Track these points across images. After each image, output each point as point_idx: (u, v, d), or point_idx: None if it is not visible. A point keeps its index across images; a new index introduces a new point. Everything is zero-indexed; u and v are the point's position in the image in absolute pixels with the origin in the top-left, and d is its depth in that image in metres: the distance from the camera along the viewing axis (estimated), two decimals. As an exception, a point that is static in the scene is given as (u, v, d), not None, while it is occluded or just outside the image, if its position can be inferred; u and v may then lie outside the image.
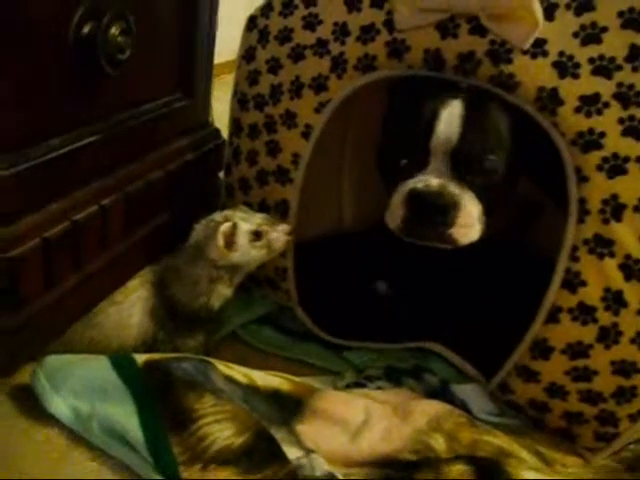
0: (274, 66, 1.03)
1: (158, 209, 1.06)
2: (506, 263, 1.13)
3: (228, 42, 1.36)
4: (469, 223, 0.91)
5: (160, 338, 1.04)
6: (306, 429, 0.90)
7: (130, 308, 1.01)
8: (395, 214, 0.95)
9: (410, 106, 0.95)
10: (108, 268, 0.95)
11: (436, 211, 0.90)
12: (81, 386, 0.89)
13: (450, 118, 0.89)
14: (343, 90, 0.98)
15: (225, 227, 0.98)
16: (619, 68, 0.80)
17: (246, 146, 1.09)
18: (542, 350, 0.91)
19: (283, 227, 1.02)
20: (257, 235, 1.00)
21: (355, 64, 0.95)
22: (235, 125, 1.12)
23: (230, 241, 0.98)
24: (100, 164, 0.92)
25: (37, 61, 0.76)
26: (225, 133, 1.19)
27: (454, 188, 0.90)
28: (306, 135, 1.02)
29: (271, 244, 1.01)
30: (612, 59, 0.80)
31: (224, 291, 1.04)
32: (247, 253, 1.00)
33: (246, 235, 1.00)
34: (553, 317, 0.89)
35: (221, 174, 1.19)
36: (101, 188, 0.91)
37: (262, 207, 1.09)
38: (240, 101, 1.09)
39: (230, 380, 0.93)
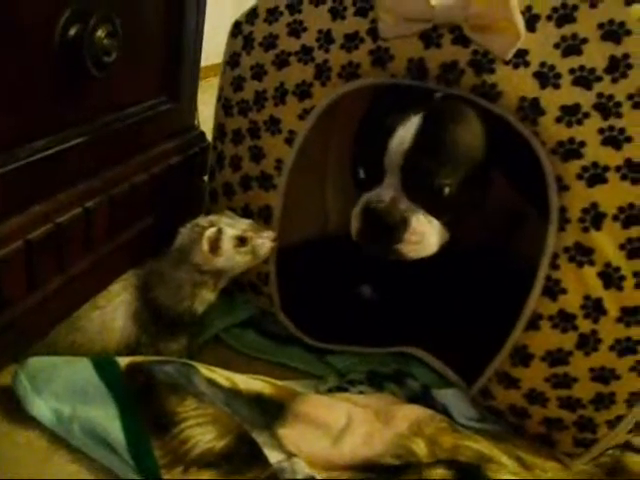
0: (258, 72, 1.03)
1: (142, 212, 1.06)
2: (488, 270, 1.14)
3: (215, 45, 1.36)
4: (417, 240, 0.93)
5: (143, 341, 1.03)
6: (288, 433, 0.91)
7: (113, 312, 1.01)
8: (353, 225, 0.98)
9: (376, 118, 0.96)
10: (92, 271, 0.95)
11: (385, 227, 0.92)
12: (63, 388, 0.89)
13: (404, 136, 0.90)
14: (327, 97, 0.98)
15: (210, 232, 0.98)
16: (599, 79, 0.81)
17: (230, 151, 1.10)
18: (522, 357, 0.92)
19: (268, 234, 1.02)
20: (242, 241, 1.00)
21: (339, 72, 0.96)
22: (219, 130, 1.12)
23: (215, 246, 0.98)
24: (85, 166, 0.92)
25: (23, 63, 0.77)
26: (211, 136, 1.19)
27: (405, 204, 0.92)
28: (290, 141, 1.02)
29: (256, 250, 1.01)
30: (592, 70, 0.81)
31: (208, 296, 1.05)
32: (232, 258, 1.00)
33: (231, 240, 1.00)
34: (533, 324, 0.90)
35: (206, 178, 1.19)
36: (85, 190, 0.91)
37: (245, 212, 1.09)
38: (224, 106, 1.10)
39: (212, 383, 0.93)
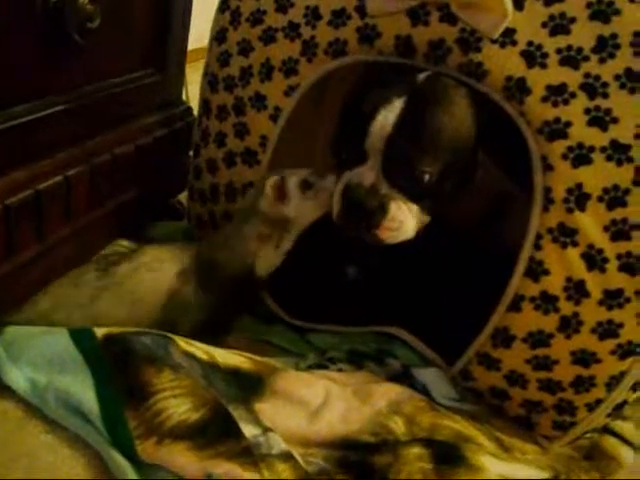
0: (245, 48, 1.03)
1: (125, 184, 1.06)
2: (472, 252, 1.14)
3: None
4: (394, 227, 0.91)
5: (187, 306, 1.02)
6: (265, 408, 0.90)
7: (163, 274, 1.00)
8: (334, 207, 0.96)
9: (359, 99, 0.94)
10: (71, 240, 0.95)
11: (363, 212, 0.91)
12: (39, 358, 0.88)
13: (386, 120, 0.88)
14: (313, 74, 0.98)
15: (273, 179, 0.97)
16: (586, 59, 0.80)
17: (215, 127, 1.09)
18: (503, 338, 0.92)
19: (331, 177, 0.99)
20: (306, 185, 0.98)
21: (325, 48, 0.95)
22: (204, 106, 1.11)
23: (281, 193, 0.97)
24: (67, 135, 0.91)
25: (2, 27, 0.76)
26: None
27: (385, 190, 0.90)
28: (275, 118, 1.02)
29: (320, 194, 0.98)
30: (580, 50, 0.81)
31: (271, 255, 1.01)
32: (299, 205, 0.98)
33: (296, 184, 0.98)
34: (515, 305, 0.90)
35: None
36: (66, 159, 0.91)
37: (229, 189, 1.09)
38: (210, 82, 1.09)
39: (190, 356, 0.92)
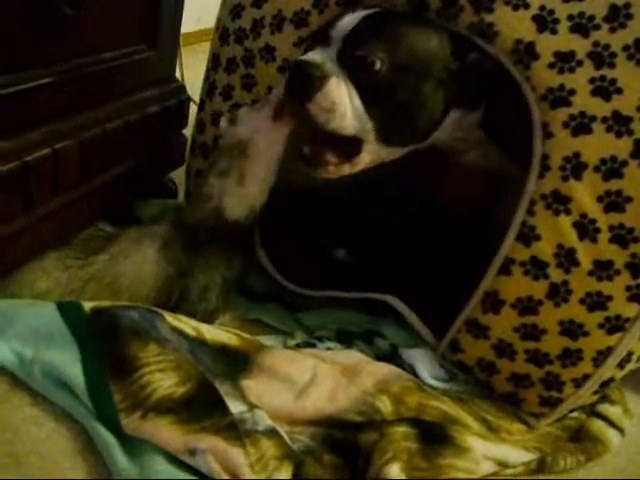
0: (259, 0, 1.03)
1: (115, 160, 1.05)
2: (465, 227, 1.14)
3: (207, 9, 1.34)
4: (327, 107, 0.88)
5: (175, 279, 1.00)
6: (251, 384, 0.90)
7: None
8: (282, 84, 0.94)
9: None
10: (60, 213, 0.94)
11: (303, 82, 0.88)
12: (26, 331, 0.88)
13: (353, 18, 0.89)
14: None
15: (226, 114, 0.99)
16: (597, 27, 0.80)
17: (222, 81, 1.10)
18: (493, 303, 0.92)
19: (279, 89, 0.95)
20: (256, 102, 0.99)
21: (338, 0, 0.95)
22: (213, 60, 1.12)
23: (233, 118, 0.97)
24: (55, 107, 0.90)
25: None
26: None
27: (332, 67, 0.88)
28: (283, 70, 1.02)
29: (268, 103, 0.96)
30: (591, 17, 0.80)
31: (237, 193, 0.97)
32: (249, 120, 0.97)
33: (246, 107, 0.99)
34: (505, 269, 0.90)
35: (185, 131, 1.18)
36: (55, 132, 0.90)
37: None
38: (221, 36, 1.09)
39: (177, 331, 0.92)
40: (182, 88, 1.23)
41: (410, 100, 0.90)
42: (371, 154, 0.94)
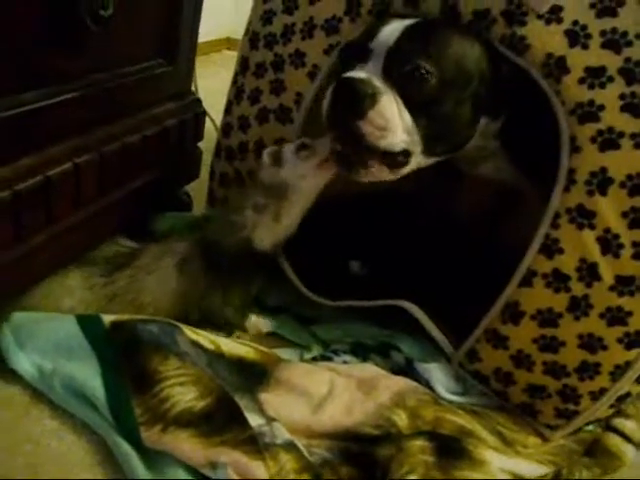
0: (290, 6, 1.04)
1: (133, 173, 1.06)
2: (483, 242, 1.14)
3: (216, 21, 1.35)
4: (380, 125, 0.85)
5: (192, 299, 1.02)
6: (269, 398, 0.90)
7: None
8: (325, 102, 0.90)
9: None
10: (80, 227, 0.95)
11: (353, 99, 0.85)
12: (46, 344, 0.89)
13: (393, 30, 0.87)
14: (354, 33, 0.98)
15: (270, 148, 0.98)
16: (629, 44, 0.80)
17: (250, 85, 1.11)
18: (513, 314, 0.92)
19: (327, 139, 0.95)
20: (302, 147, 0.97)
21: (370, 8, 0.96)
22: (242, 64, 1.12)
23: (277, 157, 0.97)
24: (76, 122, 0.91)
25: (16, 11, 0.76)
26: (214, 109, 1.17)
27: (380, 83, 0.86)
28: (312, 75, 1.02)
29: (315, 153, 0.96)
30: (624, 34, 0.80)
31: (270, 226, 0.99)
32: (294, 166, 0.96)
33: (292, 148, 0.97)
34: (527, 281, 0.90)
35: (201, 144, 1.19)
36: (76, 146, 0.91)
37: (259, 146, 1.09)
38: (251, 40, 1.10)
39: (196, 345, 0.93)
40: (198, 101, 1.24)
41: (455, 111, 0.89)
42: (414, 165, 0.93)
